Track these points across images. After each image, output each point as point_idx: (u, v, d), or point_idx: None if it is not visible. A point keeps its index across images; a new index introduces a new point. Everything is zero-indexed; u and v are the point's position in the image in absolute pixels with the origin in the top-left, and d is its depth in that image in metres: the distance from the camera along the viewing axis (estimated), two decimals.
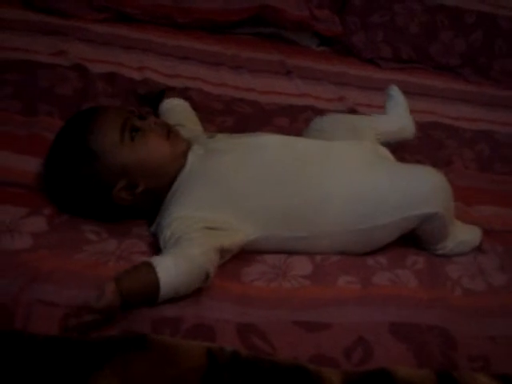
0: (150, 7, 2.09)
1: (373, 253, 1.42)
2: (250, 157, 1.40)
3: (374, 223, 1.38)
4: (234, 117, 1.78)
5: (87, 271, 1.22)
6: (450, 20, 2.26)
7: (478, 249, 1.50)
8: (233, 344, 1.14)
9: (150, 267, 1.18)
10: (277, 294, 1.27)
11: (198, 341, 1.12)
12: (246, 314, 1.22)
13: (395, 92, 1.72)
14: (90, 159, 1.31)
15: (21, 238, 1.27)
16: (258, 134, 1.51)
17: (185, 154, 1.40)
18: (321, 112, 1.89)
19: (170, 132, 1.40)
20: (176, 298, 1.20)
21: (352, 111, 1.93)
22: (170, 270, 1.18)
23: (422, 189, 1.38)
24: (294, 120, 1.84)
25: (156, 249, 1.30)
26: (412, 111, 1.76)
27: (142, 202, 1.36)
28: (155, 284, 1.17)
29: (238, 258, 1.32)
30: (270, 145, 1.43)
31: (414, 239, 1.46)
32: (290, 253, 1.37)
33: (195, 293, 1.22)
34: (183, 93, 1.78)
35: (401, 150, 1.70)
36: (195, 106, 1.70)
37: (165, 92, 1.69)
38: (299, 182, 1.38)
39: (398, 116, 1.69)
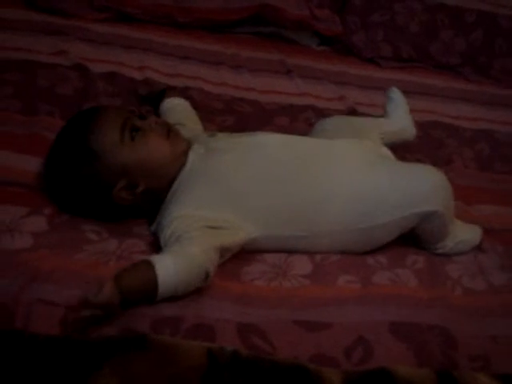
0: (150, 7, 2.09)
1: (373, 252, 1.42)
2: (251, 156, 1.40)
3: (374, 222, 1.38)
4: (234, 116, 1.78)
5: (88, 271, 1.22)
6: (450, 19, 2.26)
7: (478, 248, 1.50)
8: (233, 343, 1.14)
9: (149, 265, 1.18)
10: (277, 294, 1.27)
11: (198, 340, 1.12)
12: (246, 314, 1.22)
13: (396, 94, 1.72)
14: (91, 159, 1.31)
15: (21, 237, 1.27)
16: (259, 133, 1.51)
17: (185, 154, 1.40)
18: (321, 111, 1.90)
19: (170, 131, 1.40)
20: (176, 298, 1.20)
21: (352, 110, 1.93)
22: (169, 268, 1.18)
23: (422, 187, 1.38)
24: (295, 119, 1.84)
25: (156, 248, 1.30)
26: (412, 110, 1.76)
27: (143, 202, 1.36)
28: (154, 282, 1.17)
29: (238, 257, 1.32)
30: (270, 144, 1.43)
31: (413, 239, 1.46)
32: (291, 252, 1.37)
33: (195, 292, 1.22)
34: (184, 92, 1.78)
35: (401, 149, 1.70)
36: (195, 106, 1.70)
37: (165, 91, 1.69)
38: (300, 181, 1.38)
39: (399, 118, 1.69)
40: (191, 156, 1.40)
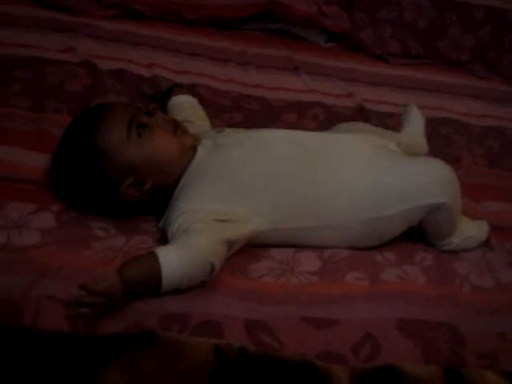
0: (158, 4, 2.09)
1: (381, 249, 1.42)
2: (258, 151, 1.40)
3: (381, 213, 1.38)
4: (241, 113, 1.78)
5: (95, 268, 1.22)
6: (458, 15, 2.25)
7: (487, 245, 1.50)
8: (240, 340, 1.14)
9: (153, 257, 1.18)
10: (285, 290, 1.27)
11: (205, 337, 1.12)
12: (253, 310, 1.22)
13: (415, 111, 1.73)
14: (98, 157, 1.32)
15: (29, 234, 1.27)
16: (266, 129, 1.51)
17: (193, 150, 1.41)
18: (329, 108, 1.90)
19: (177, 128, 1.41)
20: (184, 295, 1.20)
21: (360, 107, 1.93)
22: (173, 260, 1.18)
23: (430, 180, 1.38)
24: (302, 116, 1.84)
25: (164, 244, 1.30)
26: (421, 107, 1.76)
27: (150, 199, 1.36)
28: (157, 274, 1.17)
29: (245, 253, 1.32)
30: (277, 139, 1.43)
31: (421, 236, 1.46)
32: (298, 245, 1.37)
33: (203, 289, 1.22)
34: (191, 89, 1.78)
35: None
36: (203, 102, 1.70)
37: (172, 89, 1.69)
38: (306, 176, 1.38)
39: (415, 133, 1.70)
40: (199, 151, 1.41)
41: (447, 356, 1.22)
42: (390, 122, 1.87)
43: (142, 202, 1.35)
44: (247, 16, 2.16)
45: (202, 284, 1.23)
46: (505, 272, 1.44)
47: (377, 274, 1.34)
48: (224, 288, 1.24)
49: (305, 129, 1.70)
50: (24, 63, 1.74)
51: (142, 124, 1.36)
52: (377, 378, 1.08)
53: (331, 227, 1.38)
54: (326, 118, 1.85)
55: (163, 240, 1.31)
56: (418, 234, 1.46)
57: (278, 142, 1.42)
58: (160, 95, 1.71)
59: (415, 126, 1.72)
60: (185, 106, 1.64)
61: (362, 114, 1.90)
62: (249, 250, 1.33)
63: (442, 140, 1.88)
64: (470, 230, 1.48)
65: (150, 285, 1.18)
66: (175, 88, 1.70)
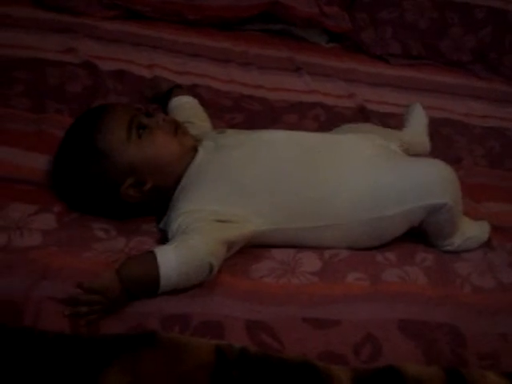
0: (159, 4, 2.10)
1: (382, 249, 1.42)
2: (259, 152, 1.40)
3: (382, 213, 1.38)
4: (243, 114, 1.78)
5: (96, 269, 1.21)
6: (459, 16, 2.25)
7: (488, 245, 1.50)
8: (241, 341, 1.14)
9: (151, 256, 1.19)
10: (285, 291, 1.27)
11: (206, 338, 1.12)
12: (254, 311, 1.22)
13: (418, 109, 1.73)
14: (98, 157, 1.32)
15: (30, 235, 1.27)
16: (267, 130, 1.51)
17: (193, 151, 1.41)
18: (330, 109, 1.90)
19: (177, 129, 1.41)
20: (185, 295, 1.20)
21: (361, 108, 1.93)
22: (171, 260, 1.18)
23: (430, 180, 1.38)
24: (304, 117, 1.84)
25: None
26: (422, 108, 1.76)
27: (151, 199, 1.36)
28: (155, 273, 1.17)
29: (246, 254, 1.32)
30: (278, 140, 1.43)
31: (422, 236, 1.46)
32: (299, 246, 1.37)
33: (204, 289, 1.22)
34: (192, 90, 1.78)
35: None
36: (204, 103, 1.70)
37: (173, 90, 1.69)
38: (307, 177, 1.39)
39: (418, 132, 1.71)
40: (200, 152, 1.41)
41: (448, 357, 1.22)
42: (391, 122, 1.87)
43: (142, 203, 1.36)
44: (249, 17, 2.16)
45: (202, 284, 1.23)
46: (506, 272, 1.44)
47: (377, 274, 1.34)
48: (225, 288, 1.24)
49: (306, 129, 1.71)
50: (24, 64, 1.74)
51: (142, 125, 1.36)
52: (378, 379, 1.08)
53: (332, 227, 1.38)
54: (326, 119, 1.85)
55: (164, 241, 1.31)
56: (419, 235, 1.46)
57: (279, 142, 1.42)
58: (160, 96, 1.71)
59: (418, 124, 1.73)
60: (185, 107, 1.64)
61: (362, 115, 1.90)
62: (250, 250, 1.33)
63: (443, 140, 1.88)
64: (471, 231, 1.48)
65: (148, 284, 1.18)
66: (176, 89, 1.70)
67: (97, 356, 1.02)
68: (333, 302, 1.27)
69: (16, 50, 1.79)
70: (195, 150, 1.41)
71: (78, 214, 1.35)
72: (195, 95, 1.72)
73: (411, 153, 1.65)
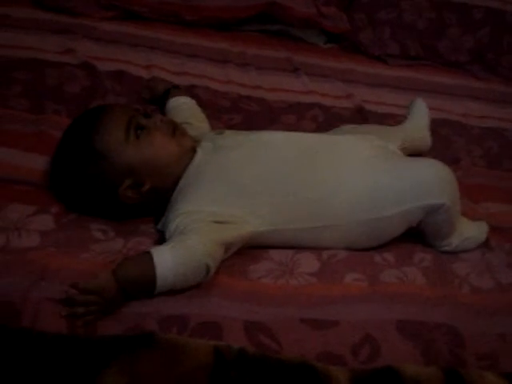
0: (157, 5, 2.09)
1: (380, 250, 1.42)
2: (257, 153, 1.41)
3: (380, 214, 1.38)
4: (241, 114, 1.78)
5: (94, 270, 1.21)
6: (457, 16, 2.25)
7: (486, 246, 1.50)
8: (240, 341, 1.14)
9: (148, 257, 1.19)
10: (284, 292, 1.27)
11: (204, 338, 1.12)
12: (253, 312, 1.22)
13: (421, 105, 1.74)
14: (96, 159, 1.32)
15: (28, 236, 1.27)
16: (265, 131, 1.51)
17: (192, 151, 1.41)
18: (328, 109, 1.90)
19: (175, 130, 1.41)
20: (183, 296, 1.20)
21: (360, 108, 1.93)
22: (168, 260, 1.18)
23: (428, 180, 1.38)
24: (302, 117, 1.84)
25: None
26: None
27: (149, 200, 1.36)
28: (152, 274, 1.17)
29: (244, 255, 1.32)
30: (276, 141, 1.43)
31: (421, 236, 1.46)
32: (297, 246, 1.37)
33: (202, 290, 1.22)
34: (190, 90, 1.78)
35: None
36: (202, 104, 1.70)
37: (170, 90, 1.69)
38: (305, 178, 1.39)
39: (419, 128, 1.72)
40: (199, 153, 1.41)
41: (447, 357, 1.22)
42: (390, 122, 1.87)
43: (140, 204, 1.35)
44: (246, 17, 2.16)
45: (200, 285, 1.23)
46: (504, 273, 1.44)
47: (376, 275, 1.34)
48: (223, 289, 1.24)
49: (304, 130, 1.71)
50: (23, 65, 1.74)
51: (140, 126, 1.36)
52: (376, 380, 1.08)
53: (330, 228, 1.38)
54: (325, 119, 1.85)
55: (162, 242, 1.31)
56: (417, 235, 1.46)
57: (278, 143, 1.43)
58: (157, 97, 1.71)
59: (419, 118, 1.73)
60: (183, 108, 1.64)
61: (361, 115, 1.90)
62: (248, 251, 1.33)
63: (441, 141, 1.88)
64: (470, 231, 1.48)
65: (144, 284, 1.18)
66: (173, 90, 1.70)
67: (95, 357, 1.02)
68: (331, 303, 1.27)
69: (15, 50, 1.80)
70: (194, 150, 1.41)
71: (76, 214, 1.35)
72: (193, 96, 1.72)
73: (412, 148, 1.65)
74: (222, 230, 1.27)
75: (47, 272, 1.19)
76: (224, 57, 2.03)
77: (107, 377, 0.99)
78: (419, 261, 1.41)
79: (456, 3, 2.25)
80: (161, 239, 1.32)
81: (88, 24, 1.99)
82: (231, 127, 1.67)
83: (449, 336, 1.25)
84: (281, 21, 2.19)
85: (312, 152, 1.43)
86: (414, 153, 1.68)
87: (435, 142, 1.84)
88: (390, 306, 1.28)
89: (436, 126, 1.93)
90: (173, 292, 1.20)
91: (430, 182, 1.38)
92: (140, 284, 1.18)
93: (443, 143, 1.88)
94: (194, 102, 1.67)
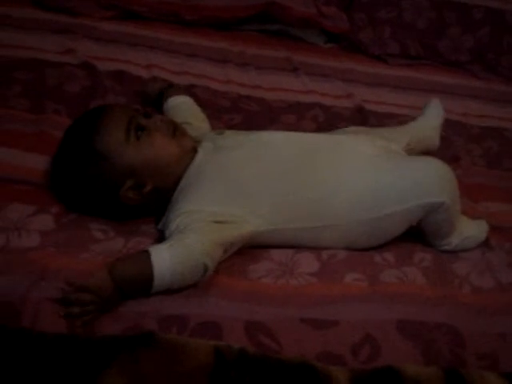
0: (156, 4, 2.09)
1: (380, 250, 1.42)
2: (258, 153, 1.40)
3: (380, 213, 1.38)
4: (241, 114, 1.78)
5: (93, 269, 1.21)
6: (457, 16, 2.25)
7: (486, 245, 1.50)
8: (240, 341, 1.14)
9: (146, 255, 1.19)
10: (284, 292, 1.27)
11: (205, 338, 1.12)
12: (253, 312, 1.22)
13: (436, 105, 1.74)
14: (97, 159, 1.32)
15: (28, 236, 1.27)
16: (266, 131, 1.51)
17: (193, 151, 1.41)
18: (328, 109, 1.90)
19: (176, 130, 1.41)
20: (183, 296, 1.20)
21: (360, 108, 1.92)
22: (166, 259, 1.18)
23: (427, 178, 1.38)
24: (301, 117, 1.84)
25: None
26: (420, 108, 1.76)
27: (150, 201, 1.36)
28: (149, 272, 1.17)
29: (244, 254, 1.32)
30: (276, 141, 1.43)
31: (420, 235, 1.46)
32: (297, 246, 1.37)
33: (202, 290, 1.22)
34: (190, 90, 1.78)
35: None
36: (202, 104, 1.70)
37: (166, 90, 1.67)
38: (306, 177, 1.39)
39: (430, 126, 1.71)
40: (200, 153, 1.40)
41: (447, 357, 1.22)
42: (390, 122, 1.87)
43: (141, 205, 1.35)
44: (246, 17, 2.16)
45: (200, 285, 1.23)
46: (504, 272, 1.44)
47: (376, 275, 1.34)
48: (223, 289, 1.24)
49: (304, 130, 1.71)
50: (23, 65, 1.74)
51: (140, 126, 1.36)
52: (376, 380, 1.08)
53: (331, 228, 1.38)
54: (325, 119, 1.85)
55: (162, 241, 1.31)
56: (417, 235, 1.46)
57: (278, 143, 1.42)
58: (153, 99, 1.70)
59: (431, 118, 1.73)
60: (182, 108, 1.63)
61: (361, 115, 1.90)
62: (248, 251, 1.33)
63: (441, 140, 1.87)
64: (469, 230, 1.48)
65: (141, 283, 1.18)
66: (169, 89, 1.68)
67: (95, 357, 1.02)
68: (331, 303, 1.27)
69: (15, 50, 1.79)
70: (194, 151, 1.41)
71: (76, 215, 1.35)
72: (193, 95, 1.71)
73: (419, 148, 1.65)
74: (221, 230, 1.27)
75: (47, 272, 1.19)
76: (224, 56, 2.03)
77: (107, 377, 0.99)
78: (419, 261, 1.41)
79: (456, 3, 2.25)
80: (161, 239, 1.32)
81: (88, 24, 1.99)
82: (231, 127, 1.67)
83: (449, 336, 1.25)
84: (280, 20, 2.19)
85: (312, 151, 1.43)
86: (421, 153, 1.67)
87: None
88: (390, 305, 1.28)
89: None
90: (172, 291, 1.20)
91: (430, 181, 1.38)
92: (137, 283, 1.18)
93: (443, 142, 1.87)
94: (192, 100, 1.66)
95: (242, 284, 1.27)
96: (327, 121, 1.84)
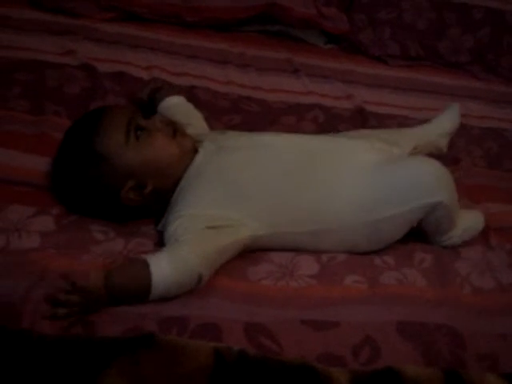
0: (157, 6, 2.09)
1: (380, 252, 1.41)
2: (258, 156, 1.40)
3: (380, 215, 1.37)
4: (241, 115, 1.78)
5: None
6: (457, 16, 2.25)
7: (486, 245, 1.50)
8: (240, 343, 1.14)
9: (144, 265, 1.19)
10: (284, 293, 1.27)
11: (205, 340, 1.12)
12: (253, 314, 1.22)
13: (453, 110, 1.73)
14: (97, 161, 1.32)
15: (29, 237, 1.27)
16: (267, 133, 1.51)
17: (193, 152, 1.41)
18: (328, 110, 1.90)
19: (176, 130, 1.40)
20: (183, 298, 1.20)
21: (360, 109, 1.92)
22: (164, 269, 1.18)
23: (423, 179, 1.38)
24: (302, 118, 1.84)
25: (162, 247, 1.30)
26: (420, 109, 1.77)
27: (151, 202, 1.36)
28: (147, 282, 1.17)
29: (244, 257, 1.32)
30: (277, 144, 1.43)
31: (420, 235, 1.46)
32: (297, 249, 1.37)
33: (202, 292, 1.22)
34: (190, 91, 1.78)
35: None
36: (202, 105, 1.70)
37: (159, 92, 1.65)
38: (306, 180, 1.38)
39: (438, 132, 1.70)
40: (200, 153, 1.40)
41: (447, 358, 1.22)
42: (390, 123, 1.87)
43: (142, 206, 1.35)
44: (246, 18, 2.16)
45: (201, 287, 1.23)
46: (505, 273, 1.44)
47: (376, 277, 1.34)
48: (223, 291, 1.24)
49: (304, 131, 1.71)
50: (23, 66, 1.74)
51: (139, 127, 1.36)
52: (376, 381, 1.08)
53: (331, 231, 1.38)
54: (325, 120, 1.85)
55: (162, 243, 1.31)
56: (417, 235, 1.46)
57: (278, 146, 1.42)
58: (145, 103, 1.68)
59: (445, 122, 1.72)
60: (178, 108, 1.60)
61: (361, 116, 1.90)
62: (248, 253, 1.33)
63: None
64: (466, 222, 1.48)
65: (137, 292, 1.18)
66: (161, 91, 1.65)
67: (95, 358, 1.02)
68: (331, 305, 1.27)
69: (15, 51, 1.80)
70: (195, 151, 1.41)
71: (77, 216, 1.35)
72: (193, 96, 1.72)
73: (425, 151, 1.64)
74: (217, 236, 1.27)
75: (47, 273, 1.19)
76: (224, 57, 2.02)
77: (108, 378, 0.99)
78: (419, 262, 1.40)
79: (456, 3, 2.25)
80: (161, 240, 1.32)
81: (88, 25, 1.99)
82: (231, 128, 1.66)
83: (449, 337, 1.25)
84: (281, 21, 2.19)
85: (312, 154, 1.42)
86: (425, 155, 1.66)
87: None
88: (390, 307, 1.28)
89: None
90: None
91: (427, 182, 1.38)
92: (133, 291, 1.18)
93: None
94: (185, 100, 1.64)
95: (242, 286, 1.27)
96: (327, 122, 1.83)
